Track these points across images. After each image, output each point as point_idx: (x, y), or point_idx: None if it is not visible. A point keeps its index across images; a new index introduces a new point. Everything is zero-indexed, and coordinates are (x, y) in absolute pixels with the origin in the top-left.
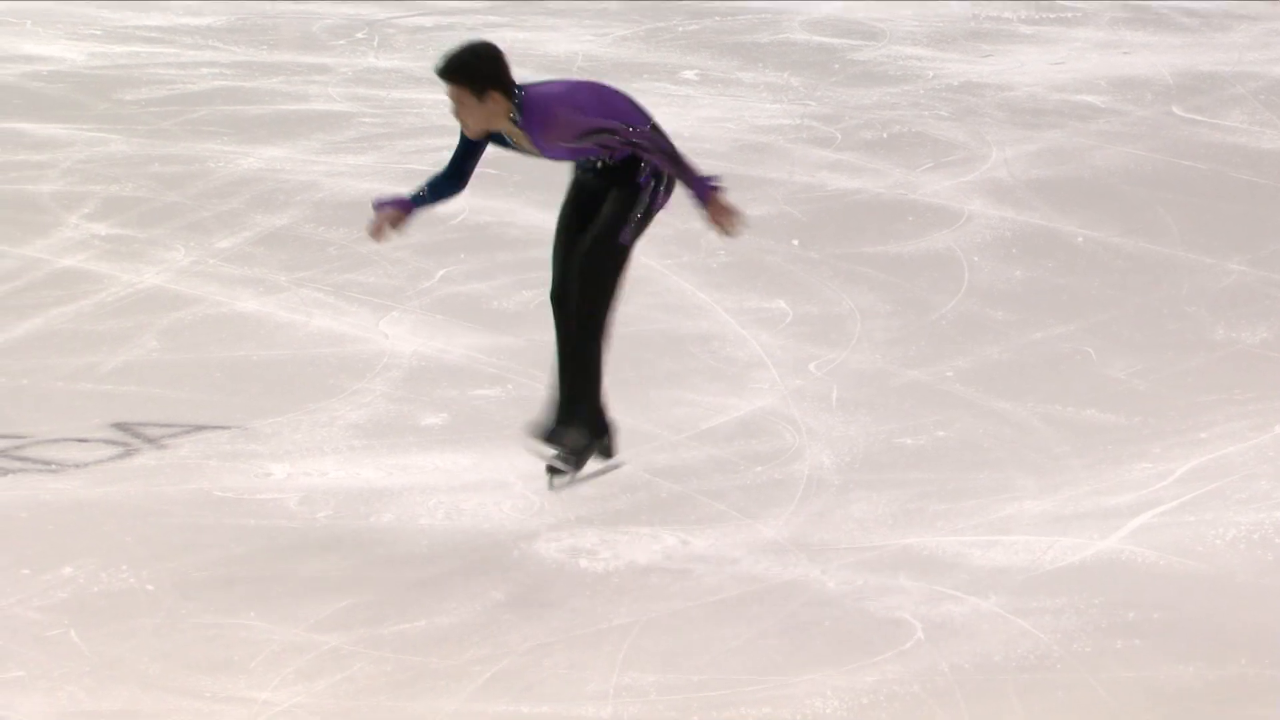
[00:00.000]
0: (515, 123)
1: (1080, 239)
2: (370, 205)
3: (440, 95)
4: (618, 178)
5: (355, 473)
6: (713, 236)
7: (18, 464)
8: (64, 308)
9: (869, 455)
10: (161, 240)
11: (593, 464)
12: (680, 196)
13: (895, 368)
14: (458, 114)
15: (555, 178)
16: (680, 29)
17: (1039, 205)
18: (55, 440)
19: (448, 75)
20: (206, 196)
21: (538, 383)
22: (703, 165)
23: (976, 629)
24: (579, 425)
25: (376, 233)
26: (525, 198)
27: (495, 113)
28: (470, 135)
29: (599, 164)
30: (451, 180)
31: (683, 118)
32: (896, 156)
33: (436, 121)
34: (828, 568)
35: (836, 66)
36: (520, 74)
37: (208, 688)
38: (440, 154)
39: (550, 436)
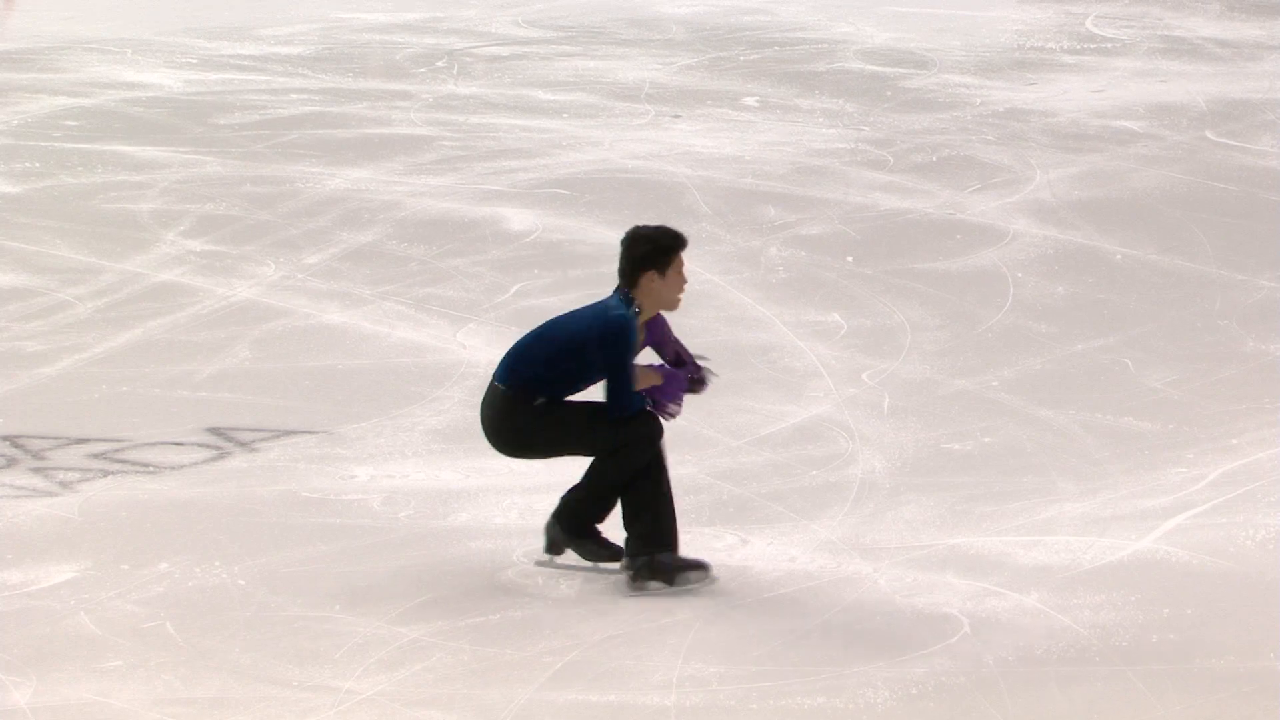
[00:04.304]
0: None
1: (1119, 256)
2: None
3: (512, 119)
4: None
5: (434, 475)
6: (772, 253)
7: (118, 466)
8: (161, 319)
9: (918, 460)
10: (253, 256)
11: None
12: None
13: (944, 377)
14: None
15: (624, 197)
16: (741, 58)
17: (1080, 225)
18: (153, 444)
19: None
20: (295, 215)
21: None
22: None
23: (1020, 624)
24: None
25: None
26: (596, 216)
27: None
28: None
29: None
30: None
31: (744, 142)
32: (945, 178)
33: (512, 145)
34: (879, 566)
35: (889, 94)
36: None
37: (295, 677)
38: (516, 175)
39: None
